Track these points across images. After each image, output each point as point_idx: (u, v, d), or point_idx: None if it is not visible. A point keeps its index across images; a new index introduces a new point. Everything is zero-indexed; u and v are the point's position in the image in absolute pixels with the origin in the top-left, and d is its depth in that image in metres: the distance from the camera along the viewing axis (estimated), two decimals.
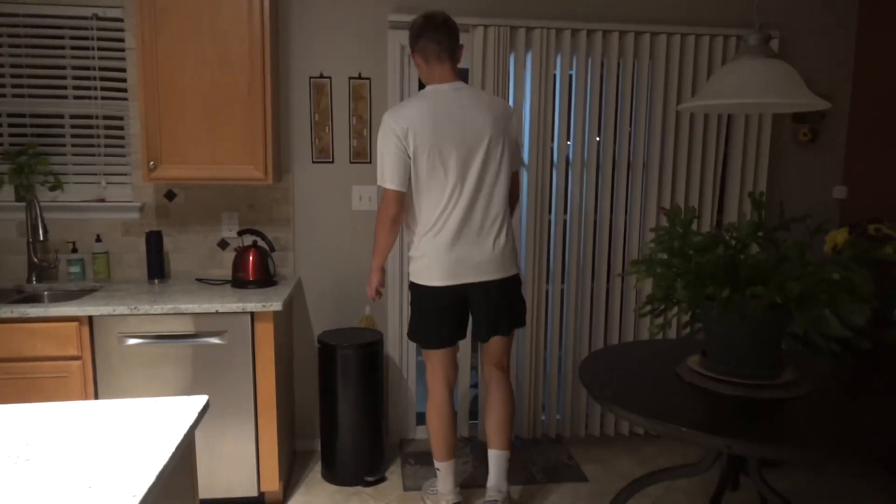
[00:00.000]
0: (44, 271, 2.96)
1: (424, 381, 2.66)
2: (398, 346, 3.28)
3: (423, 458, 3.15)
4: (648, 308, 2.03)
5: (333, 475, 2.92)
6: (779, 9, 3.32)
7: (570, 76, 3.18)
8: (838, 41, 3.39)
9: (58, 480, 1.05)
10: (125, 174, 3.02)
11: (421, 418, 3.40)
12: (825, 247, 2.99)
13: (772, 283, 1.76)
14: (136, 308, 2.47)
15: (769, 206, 3.33)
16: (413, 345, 3.29)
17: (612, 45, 3.14)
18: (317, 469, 3.05)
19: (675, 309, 1.99)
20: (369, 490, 2.87)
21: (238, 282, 2.87)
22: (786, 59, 3.18)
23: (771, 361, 1.92)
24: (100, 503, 0.98)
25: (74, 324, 2.46)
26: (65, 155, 2.99)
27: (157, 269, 2.97)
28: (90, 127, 2.99)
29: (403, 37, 3.00)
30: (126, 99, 2.97)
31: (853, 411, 1.85)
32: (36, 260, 2.92)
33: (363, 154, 3.14)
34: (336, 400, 2.87)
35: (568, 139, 3.24)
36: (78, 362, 2.48)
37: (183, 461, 1.36)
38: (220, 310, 2.53)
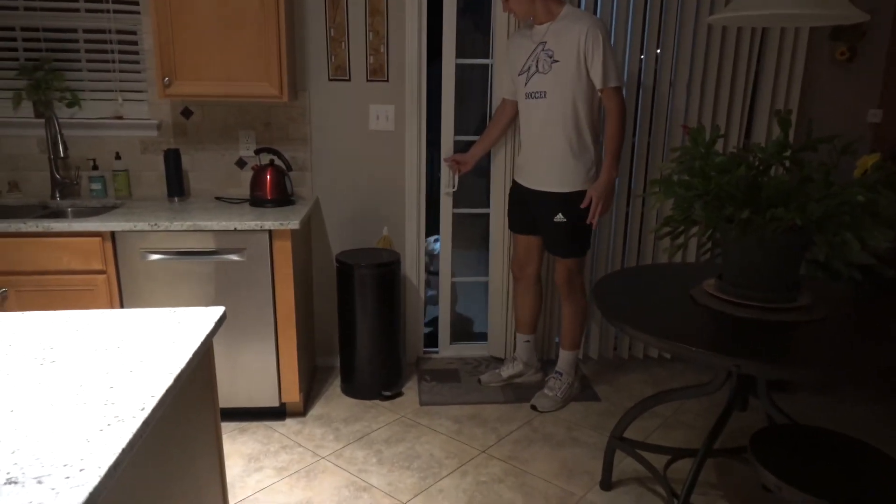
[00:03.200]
0: (66, 188, 3.00)
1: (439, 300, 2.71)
2: (415, 268, 3.30)
3: (439, 375, 3.24)
4: (666, 229, 2.01)
5: (352, 389, 3.03)
6: None
7: None
8: None
9: (81, 381, 1.09)
10: (141, 90, 3.00)
11: (432, 339, 3.48)
12: (855, 171, 2.90)
13: (793, 205, 1.72)
14: (156, 225, 2.51)
15: (798, 127, 3.21)
16: (449, 266, 3.37)
17: None
18: (336, 384, 3.15)
19: (694, 231, 1.96)
20: (386, 404, 2.97)
21: (256, 200, 2.88)
22: None
23: (787, 285, 1.90)
24: (120, 401, 1.02)
25: (97, 239, 2.51)
26: (80, 71, 2.96)
27: (177, 187, 2.99)
28: (104, 42, 2.94)
29: None
30: (139, 13, 2.91)
31: (866, 336, 1.84)
32: (58, 177, 2.95)
33: (380, 72, 3.07)
34: (354, 318, 2.93)
35: None
36: (103, 276, 2.54)
37: (201, 369, 1.40)
38: (239, 227, 2.55)
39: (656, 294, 2.14)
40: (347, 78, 3.06)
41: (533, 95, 2.72)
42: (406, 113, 3.11)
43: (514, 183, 2.97)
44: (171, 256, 2.57)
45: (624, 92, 2.78)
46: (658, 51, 3.12)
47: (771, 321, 1.83)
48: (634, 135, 3.23)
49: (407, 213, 3.23)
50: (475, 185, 3.74)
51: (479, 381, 3.19)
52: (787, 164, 1.89)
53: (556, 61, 2.62)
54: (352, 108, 3.10)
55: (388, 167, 3.16)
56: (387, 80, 3.08)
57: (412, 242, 3.27)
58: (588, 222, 2.74)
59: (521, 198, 2.93)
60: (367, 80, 3.07)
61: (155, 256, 2.56)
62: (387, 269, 2.92)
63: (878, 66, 3.28)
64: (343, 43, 3.02)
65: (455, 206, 3.29)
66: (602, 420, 2.86)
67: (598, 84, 2.61)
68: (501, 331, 3.38)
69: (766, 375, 2.01)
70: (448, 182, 3.22)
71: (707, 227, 1.86)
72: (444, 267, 3.38)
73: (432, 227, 3.38)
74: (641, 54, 3.11)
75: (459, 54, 3.09)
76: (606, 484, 2.37)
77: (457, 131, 3.19)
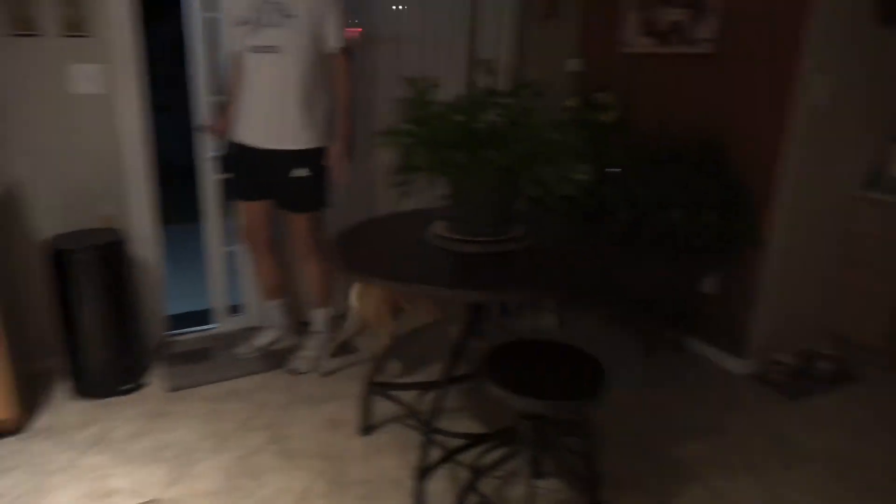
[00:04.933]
0: None
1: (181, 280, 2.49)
2: (149, 248, 2.99)
3: (190, 357, 3.02)
4: (398, 178, 2.05)
5: (84, 389, 2.67)
6: None
7: None
8: None
9: None
10: None
11: (181, 319, 3.23)
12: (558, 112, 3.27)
13: (500, 147, 1.87)
14: None
15: (512, 76, 3.48)
16: (164, 244, 3.05)
17: None
18: (64, 387, 2.76)
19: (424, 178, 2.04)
20: (127, 398, 2.68)
21: None
22: None
23: (504, 220, 2.08)
24: None
25: None
26: None
27: None
28: None
29: None
30: None
31: (562, 260, 2.09)
32: None
33: (80, 26, 2.64)
34: (74, 310, 2.57)
35: None
36: None
37: None
38: None
39: (394, 241, 2.20)
40: (37, 32, 2.59)
41: (262, 49, 2.56)
42: (119, 74, 2.74)
43: (236, 145, 2.74)
44: None
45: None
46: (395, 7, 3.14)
47: (489, 253, 2.00)
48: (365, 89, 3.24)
49: (132, 188, 2.88)
50: None
51: (235, 355, 3.04)
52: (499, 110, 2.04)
53: (289, 16, 2.51)
54: (47, 69, 2.63)
55: (99, 138, 2.78)
56: (90, 36, 2.66)
57: (142, 220, 2.93)
58: (335, 179, 2.72)
59: (248, 161, 2.73)
60: (64, 36, 2.63)
61: None
62: (108, 252, 2.60)
63: (575, 21, 3.69)
64: None
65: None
66: (362, 370, 2.91)
67: (332, 43, 2.58)
68: (252, 300, 3.24)
69: (487, 301, 2.19)
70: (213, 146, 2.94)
71: (429, 172, 1.94)
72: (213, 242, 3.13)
73: (187, 204, 3.05)
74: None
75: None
76: (366, 429, 2.44)
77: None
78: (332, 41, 2.58)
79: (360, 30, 3.16)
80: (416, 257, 2.05)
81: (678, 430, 2.55)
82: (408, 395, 2.55)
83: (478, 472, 2.15)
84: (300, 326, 3.23)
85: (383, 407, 2.56)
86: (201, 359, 3.02)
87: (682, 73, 3.09)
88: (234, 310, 3.35)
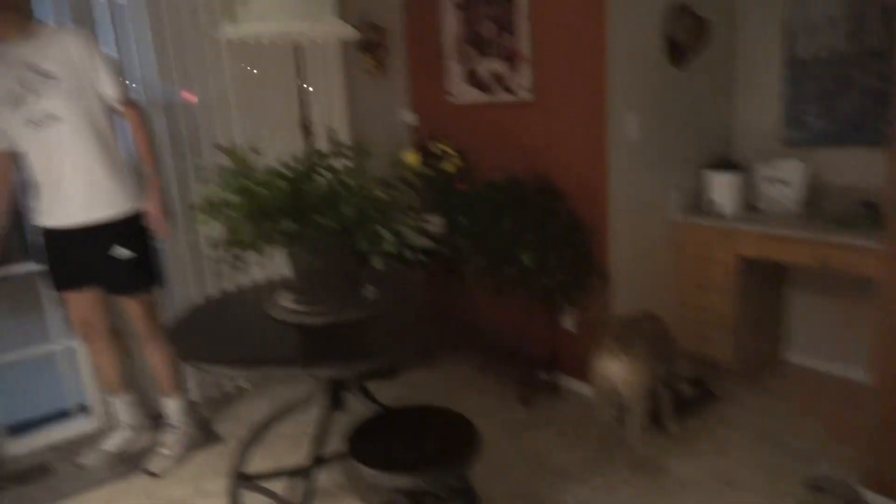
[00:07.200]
0: None
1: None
2: None
3: (24, 477, 2.67)
4: (225, 252, 1.96)
5: None
6: None
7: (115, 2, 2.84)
8: None
9: None
10: None
11: (14, 430, 2.87)
12: (400, 167, 3.31)
13: (330, 212, 1.84)
14: None
15: (350, 138, 3.48)
16: None
17: None
18: None
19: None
20: None
21: None
22: None
23: (351, 284, 2.04)
24: None
25: None
26: None
27: None
28: None
29: None
30: None
31: (425, 317, 2.08)
32: None
33: None
34: None
35: None
36: None
37: None
38: None
39: (235, 320, 2.09)
40: None
41: (37, 123, 2.36)
42: None
43: (48, 232, 2.52)
44: None
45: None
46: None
47: (341, 322, 1.94)
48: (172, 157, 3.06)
49: None
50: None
51: (81, 465, 2.73)
52: (326, 172, 2.01)
53: (54, 79, 2.34)
54: None
55: None
56: None
57: None
58: (156, 241, 2.59)
59: (62, 245, 2.51)
60: None
61: None
62: None
63: (403, 74, 3.79)
64: None
65: None
66: (230, 462, 2.71)
67: (112, 97, 2.44)
68: (95, 399, 2.95)
69: (341, 376, 2.12)
70: None
71: (260, 246, 1.87)
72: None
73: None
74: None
75: None
76: None
77: None
78: (110, 93, 2.44)
79: (195, 98, 3.05)
80: (261, 335, 1.94)
81: (559, 475, 2.52)
82: (282, 483, 2.38)
83: None
84: (155, 421, 2.97)
85: (259, 499, 2.35)
86: (39, 476, 2.68)
87: (509, 120, 3.23)
88: (79, 411, 3.03)
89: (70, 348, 2.95)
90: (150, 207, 2.53)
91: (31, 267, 2.78)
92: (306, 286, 1.99)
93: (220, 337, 1.96)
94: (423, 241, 1.97)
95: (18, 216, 2.74)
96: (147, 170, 2.53)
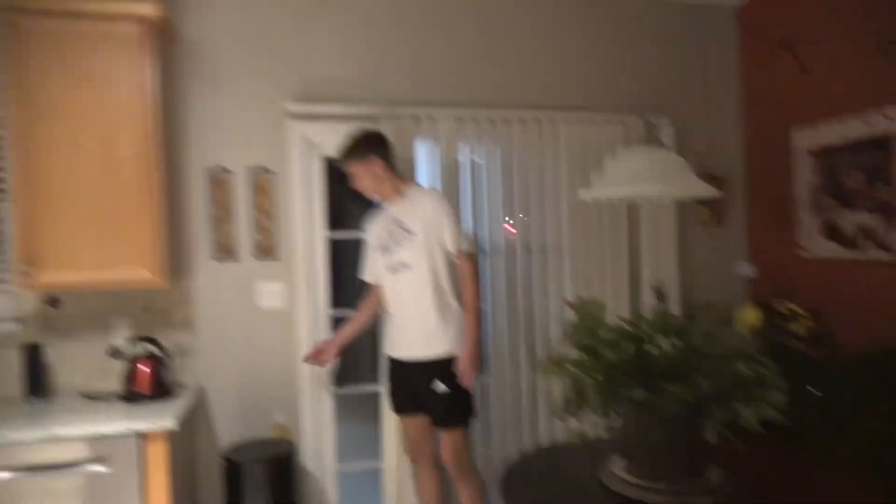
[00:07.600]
0: None
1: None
2: (318, 456, 3.03)
3: None
4: (566, 410, 1.92)
5: None
6: (670, 93, 3.47)
7: (475, 162, 3.22)
8: (727, 123, 3.55)
9: None
10: (3, 282, 2.75)
11: None
12: (738, 325, 3.00)
13: (683, 381, 1.69)
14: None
15: (679, 291, 3.33)
16: (335, 454, 3.10)
17: (515, 130, 3.19)
18: None
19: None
20: None
21: (130, 396, 2.60)
22: (679, 144, 3.28)
23: (694, 461, 1.84)
24: None
25: None
26: None
27: (37, 385, 2.67)
28: None
29: (304, 127, 3.00)
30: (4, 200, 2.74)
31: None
32: None
33: (269, 251, 3.00)
34: None
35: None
36: None
37: None
38: (104, 432, 2.26)
39: (566, 480, 2.01)
40: (234, 258, 2.96)
41: (395, 268, 2.73)
42: (297, 291, 3.01)
43: (391, 360, 2.84)
44: (20, 474, 2.21)
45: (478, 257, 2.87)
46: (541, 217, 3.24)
47: None
48: (530, 302, 3.25)
49: (307, 395, 3.01)
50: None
51: None
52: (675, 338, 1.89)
53: (413, 234, 2.68)
54: (238, 287, 2.97)
55: (278, 348, 2.99)
56: (277, 259, 3.00)
57: (310, 428, 3.01)
58: (464, 385, 2.67)
59: (400, 374, 2.80)
60: (256, 259, 2.98)
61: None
62: (278, 463, 2.65)
63: (742, 224, 3.56)
64: (228, 222, 2.95)
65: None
66: None
67: (451, 248, 2.69)
68: None
69: None
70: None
71: (604, 409, 1.79)
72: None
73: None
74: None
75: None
76: None
77: (338, 304, 3.11)
78: (451, 246, 2.68)
79: (514, 231, 3.27)
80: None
81: None
82: None
83: None
84: None
85: None
86: None
87: (880, 280, 2.77)
88: None
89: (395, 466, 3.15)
90: (461, 354, 2.68)
91: (378, 388, 3.13)
92: (645, 458, 1.84)
93: (551, 496, 1.89)
94: (770, 413, 1.69)
95: (375, 341, 3.13)
96: (466, 319, 2.70)
